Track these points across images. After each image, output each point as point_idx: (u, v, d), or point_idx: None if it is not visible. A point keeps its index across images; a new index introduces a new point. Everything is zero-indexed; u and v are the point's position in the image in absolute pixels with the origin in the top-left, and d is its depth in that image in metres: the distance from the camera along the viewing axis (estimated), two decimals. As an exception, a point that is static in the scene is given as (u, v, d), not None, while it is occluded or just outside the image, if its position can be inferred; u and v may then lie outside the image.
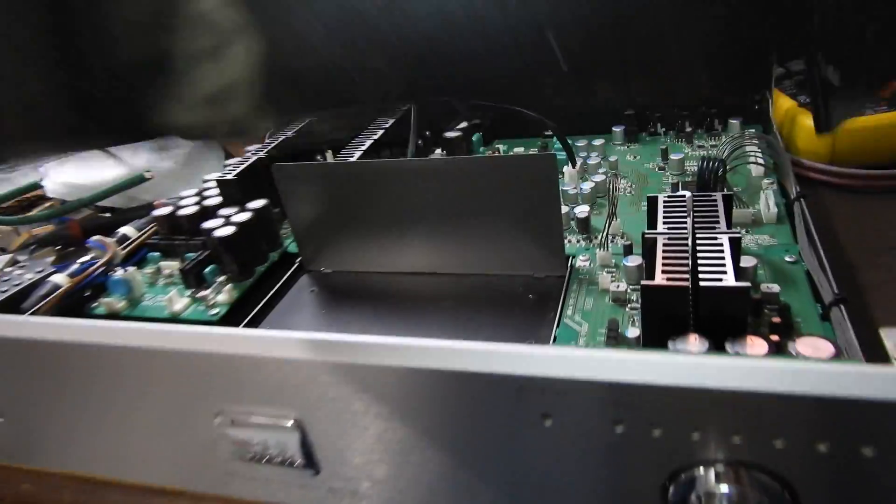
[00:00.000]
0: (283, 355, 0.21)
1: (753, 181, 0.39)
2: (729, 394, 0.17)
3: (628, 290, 0.31)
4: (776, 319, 0.27)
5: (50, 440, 0.28)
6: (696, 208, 0.28)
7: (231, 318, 0.36)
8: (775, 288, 0.28)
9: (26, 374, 0.26)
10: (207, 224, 0.38)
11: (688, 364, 0.17)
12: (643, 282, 0.24)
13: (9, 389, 0.27)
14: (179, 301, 0.36)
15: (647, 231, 0.27)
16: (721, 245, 0.25)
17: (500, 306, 0.34)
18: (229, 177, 0.41)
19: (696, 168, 0.42)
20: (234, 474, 0.25)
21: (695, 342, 0.23)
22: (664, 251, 0.25)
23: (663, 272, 0.24)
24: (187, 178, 0.57)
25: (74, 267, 0.42)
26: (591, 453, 0.19)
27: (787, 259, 0.32)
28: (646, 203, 0.31)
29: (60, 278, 0.41)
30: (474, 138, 0.49)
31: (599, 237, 0.36)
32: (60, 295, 0.34)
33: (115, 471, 0.28)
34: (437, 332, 0.33)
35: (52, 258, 0.51)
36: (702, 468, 0.18)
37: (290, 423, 0.22)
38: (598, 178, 0.41)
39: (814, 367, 0.16)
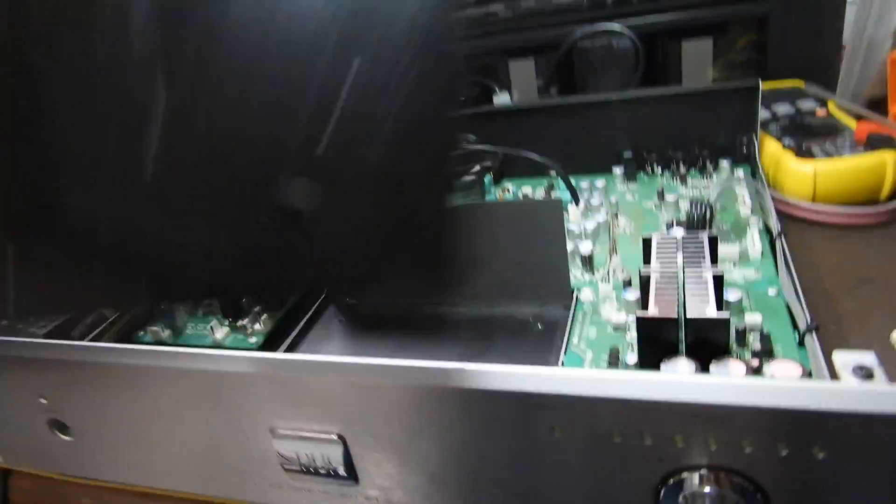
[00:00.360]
0: (328, 377, 0.25)
1: (741, 219, 0.43)
2: (705, 406, 0.20)
3: (628, 321, 0.35)
4: (758, 346, 0.30)
5: (113, 457, 0.31)
6: (685, 248, 0.32)
7: (267, 345, 0.40)
8: (758, 317, 0.32)
9: (96, 396, 0.30)
10: (245, 260, 0.42)
11: (670, 382, 0.20)
12: (637, 313, 0.28)
13: (80, 410, 0.30)
14: (221, 330, 0.40)
15: (642, 268, 0.31)
16: (705, 281, 0.29)
17: (512, 335, 0.37)
18: (264, 217, 0.45)
19: (687, 207, 0.46)
20: (282, 485, 0.28)
21: (684, 364, 0.27)
22: (657, 286, 0.29)
23: (656, 304, 0.28)
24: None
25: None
26: (593, 460, 0.23)
27: (770, 292, 0.35)
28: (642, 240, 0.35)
29: (107, 309, 0.44)
30: (486, 179, 0.53)
31: (601, 272, 0.40)
32: (121, 325, 0.37)
33: (170, 483, 0.31)
34: (456, 358, 0.36)
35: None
36: (687, 472, 0.22)
37: (333, 436, 0.26)
38: (601, 216, 0.45)
39: (776, 384, 0.20)
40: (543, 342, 0.36)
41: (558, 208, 0.35)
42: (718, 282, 0.29)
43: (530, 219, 0.36)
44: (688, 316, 0.27)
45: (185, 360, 0.26)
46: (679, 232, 0.39)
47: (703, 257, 0.31)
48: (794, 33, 0.59)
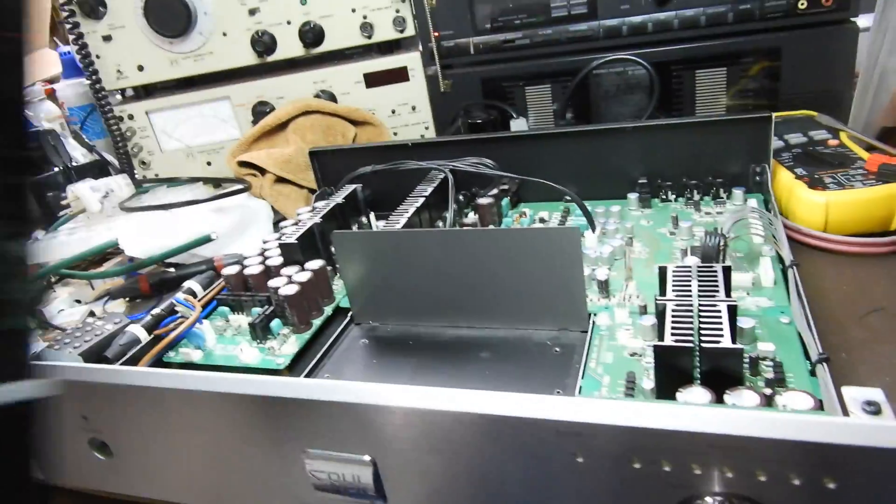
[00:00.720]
0: (363, 401, 0.26)
1: (754, 248, 0.44)
2: (724, 437, 0.21)
3: (644, 346, 0.36)
4: (771, 374, 0.31)
5: (151, 474, 0.33)
6: (699, 277, 0.33)
7: (294, 365, 0.41)
8: (770, 347, 0.33)
9: (135, 417, 0.31)
10: (273, 283, 0.43)
11: (689, 413, 0.22)
12: (655, 343, 0.29)
13: (120, 430, 0.32)
14: (250, 352, 0.41)
15: (658, 297, 0.32)
16: (720, 311, 0.30)
17: (529, 357, 0.39)
18: (291, 240, 0.46)
19: (701, 234, 0.47)
20: (311, 503, 0.30)
21: (699, 393, 0.28)
22: (673, 315, 0.30)
23: (672, 334, 0.29)
24: (238, 236, 0.63)
25: (147, 318, 0.47)
26: (613, 485, 0.24)
27: (782, 320, 0.36)
28: (659, 266, 0.36)
29: (137, 329, 0.46)
30: (503, 202, 0.55)
31: (617, 297, 0.41)
32: (159, 348, 0.39)
33: (205, 500, 0.33)
34: (475, 380, 0.38)
35: (122, 310, 0.57)
36: (701, 500, 0.23)
37: (365, 458, 0.27)
38: (616, 242, 0.46)
39: (791, 418, 0.21)
40: (560, 365, 0.38)
41: (576, 236, 0.37)
42: (732, 312, 0.30)
43: (548, 245, 0.37)
44: (703, 346, 0.28)
45: (224, 384, 0.28)
46: (693, 261, 0.40)
47: (718, 288, 0.32)
48: (806, 64, 0.60)
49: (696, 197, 0.52)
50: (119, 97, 0.78)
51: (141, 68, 0.74)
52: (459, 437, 0.25)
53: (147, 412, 0.30)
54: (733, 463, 0.22)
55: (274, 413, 0.28)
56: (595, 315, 0.40)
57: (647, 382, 0.32)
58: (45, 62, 1.02)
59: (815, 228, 0.47)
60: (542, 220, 0.54)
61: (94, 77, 0.73)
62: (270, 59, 0.73)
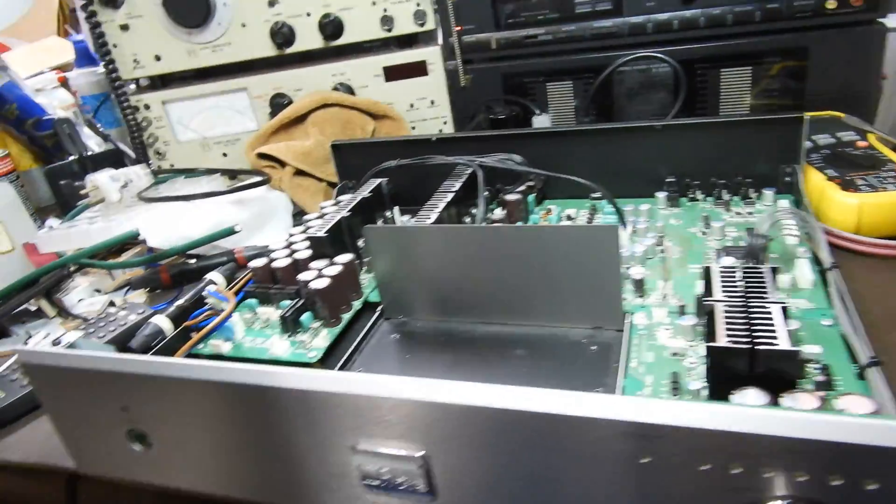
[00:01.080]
0: (418, 398, 0.26)
1: (788, 250, 0.44)
2: (799, 441, 0.21)
3: (686, 347, 0.36)
4: (820, 377, 0.31)
5: (190, 466, 0.32)
6: (746, 278, 0.33)
7: (325, 360, 0.41)
8: (817, 349, 0.33)
9: (178, 409, 0.30)
10: (303, 276, 0.43)
11: (766, 416, 0.21)
12: (709, 344, 0.29)
13: (160, 421, 0.31)
14: (280, 344, 0.41)
15: (705, 298, 0.32)
16: (771, 313, 0.30)
17: (565, 355, 0.38)
18: (321, 233, 0.46)
19: (734, 234, 0.47)
20: (358, 498, 0.29)
21: (755, 395, 0.27)
22: (725, 316, 0.30)
23: (727, 336, 0.29)
24: (258, 228, 0.62)
25: (172, 309, 0.47)
26: (677, 488, 0.24)
27: (824, 322, 0.36)
28: (692, 265, 0.36)
29: (161, 320, 0.46)
30: (529, 199, 0.54)
31: (653, 296, 0.41)
32: (196, 340, 0.38)
33: (243, 493, 0.32)
34: (512, 378, 0.37)
35: (142, 300, 0.56)
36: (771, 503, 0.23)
37: (419, 454, 0.27)
38: (648, 241, 0.46)
39: (872, 423, 0.21)
40: (598, 364, 0.37)
41: (615, 234, 0.37)
42: (785, 314, 0.30)
43: (587, 242, 0.37)
44: (759, 348, 0.28)
45: (276, 378, 0.27)
46: (728, 261, 0.40)
47: (768, 288, 0.32)
48: (833, 64, 0.60)
49: (726, 197, 0.52)
50: (134, 87, 0.77)
51: (158, 58, 0.73)
52: (518, 435, 0.25)
53: (191, 404, 0.30)
54: (807, 466, 0.21)
55: (323, 408, 0.27)
56: (632, 314, 0.40)
57: (694, 383, 0.32)
58: (55, 49, 1.01)
59: (848, 230, 0.47)
60: (569, 218, 0.53)
61: (110, 66, 0.72)
62: (289, 50, 0.72)
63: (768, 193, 0.51)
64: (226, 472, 0.31)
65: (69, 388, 0.31)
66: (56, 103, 0.81)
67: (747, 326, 0.29)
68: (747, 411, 0.22)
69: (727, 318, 0.30)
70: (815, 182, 0.50)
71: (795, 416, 0.21)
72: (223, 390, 0.28)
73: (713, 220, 0.48)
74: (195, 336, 0.39)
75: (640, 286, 0.42)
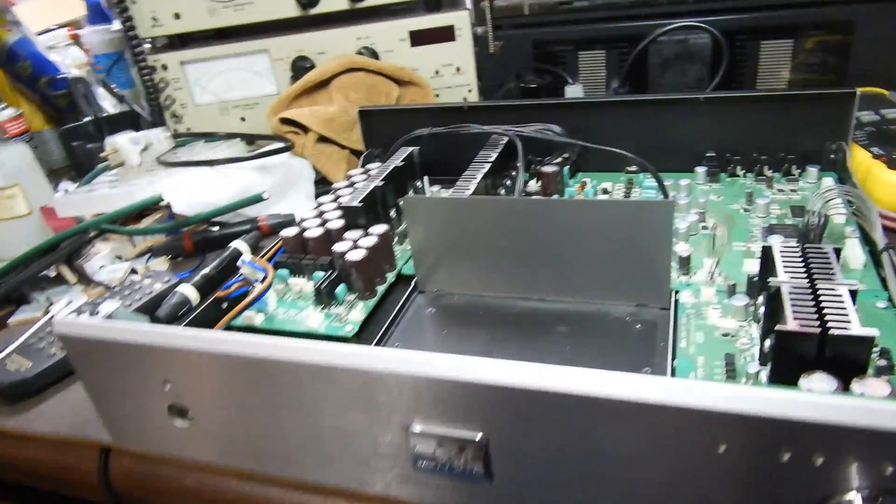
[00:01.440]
0: (481, 379, 0.25)
1: (836, 229, 0.42)
2: (884, 432, 0.20)
3: (738, 327, 0.35)
4: (881, 363, 0.30)
5: (231, 442, 0.32)
6: (810, 259, 0.32)
7: (360, 333, 0.40)
8: (875, 332, 0.32)
9: (223, 384, 0.30)
10: (337, 247, 0.42)
11: (855, 405, 0.20)
12: (779, 326, 0.27)
13: (203, 396, 0.30)
14: (315, 317, 0.40)
15: (770, 279, 0.31)
16: (841, 295, 0.29)
17: (609, 333, 0.37)
18: (355, 203, 0.45)
19: (779, 211, 0.45)
20: (409, 480, 0.29)
21: (824, 380, 0.26)
22: (792, 299, 0.29)
23: (795, 318, 0.28)
24: (281, 195, 0.61)
25: (197, 278, 0.46)
26: (755, 478, 0.23)
27: (879, 304, 0.35)
28: (737, 243, 0.34)
29: (187, 289, 0.45)
30: (564, 171, 0.53)
31: (700, 274, 0.40)
32: (235, 313, 0.37)
33: (286, 471, 0.31)
34: (555, 356, 0.36)
35: (165, 268, 0.55)
36: (851, 494, 0.22)
37: (478, 437, 0.26)
38: (691, 217, 0.44)
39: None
40: (644, 343, 0.36)
41: (670, 210, 0.35)
42: (854, 297, 0.29)
43: (641, 218, 0.36)
44: (831, 333, 0.27)
45: (325, 356, 0.26)
46: (777, 239, 0.38)
47: (834, 271, 0.31)
48: (879, 39, 0.58)
49: (768, 173, 0.50)
50: (149, 46, 0.75)
51: (177, 16, 0.70)
52: (586, 419, 0.24)
53: (237, 380, 0.29)
54: (892, 456, 0.21)
55: (380, 387, 0.26)
56: (678, 293, 0.39)
57: (752, 366, 0.31)
58: (65, 4, 0.98)
59: (894, 210, 0.45)
60: (605, 191, 0.52)
61: (127, 24, 0.70)
62: (313, 11, 0.70)
63: (812, 170, 0.49)
64: (269, 450, 0.31)
65: (109, 360, 0.30)
66: (69, 62, 0.79)
67: (816, 309, 0.28)
68: (835, 400, 0.21)
69: (793, 299, 0.29)
70: (861, 160, 0.48)
71: (885, 407, 0.20)
72: (274, 367, 0.27)
73: (757, 197, 0.46)
74: (235, 308, 0.38)
75: (685, 263, 0.40)
